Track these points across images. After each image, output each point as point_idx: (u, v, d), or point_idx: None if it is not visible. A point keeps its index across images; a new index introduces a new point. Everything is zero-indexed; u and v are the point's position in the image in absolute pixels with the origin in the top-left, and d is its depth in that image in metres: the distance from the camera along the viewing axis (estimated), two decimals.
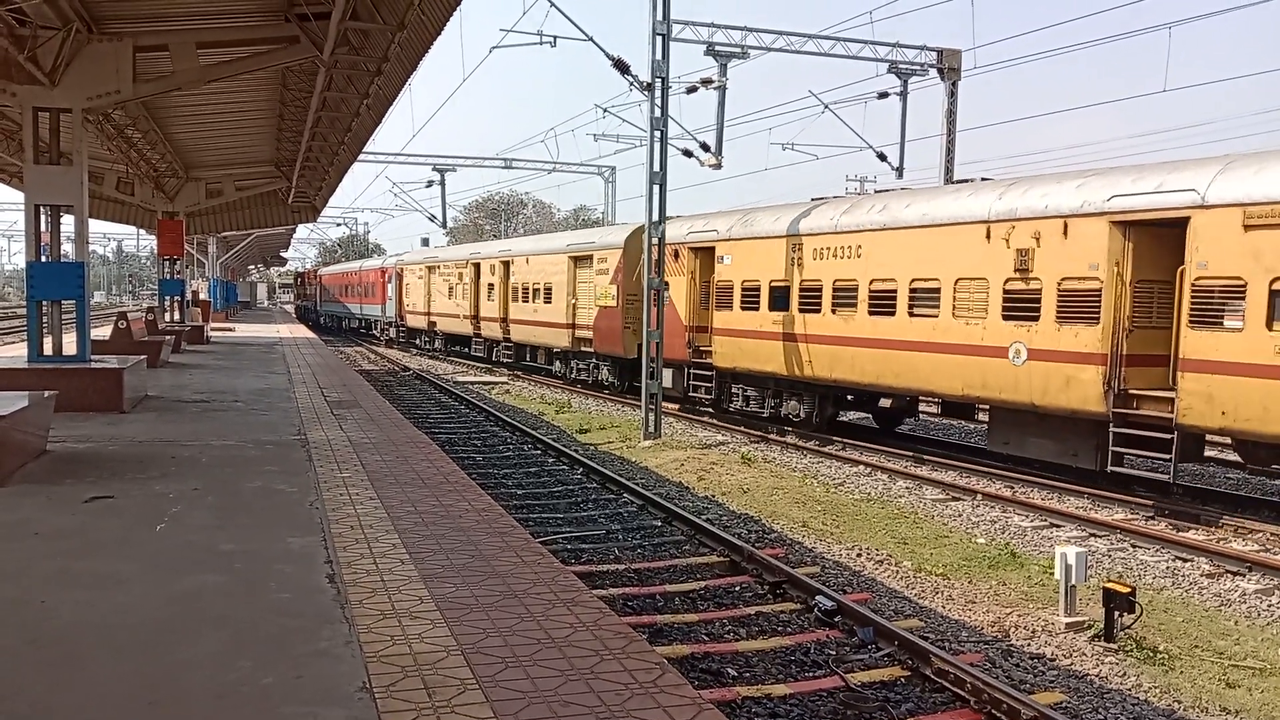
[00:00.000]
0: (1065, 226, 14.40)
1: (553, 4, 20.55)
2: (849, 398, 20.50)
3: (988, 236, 15.67)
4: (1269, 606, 10.12)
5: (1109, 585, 8.91)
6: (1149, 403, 13.53)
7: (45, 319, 13.22)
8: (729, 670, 7.80)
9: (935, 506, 14.49)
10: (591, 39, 21.50)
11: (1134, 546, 12.28)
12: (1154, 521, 13.42)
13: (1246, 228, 12.15)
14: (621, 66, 20.63)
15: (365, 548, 6.46)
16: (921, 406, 21.72)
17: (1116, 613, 8.80)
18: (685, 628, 8.78)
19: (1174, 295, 13.21)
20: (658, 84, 20.05)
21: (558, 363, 32.03)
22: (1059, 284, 14.54)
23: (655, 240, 20.71)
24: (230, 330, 38.84)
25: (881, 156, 28.99)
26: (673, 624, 8.83)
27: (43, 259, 13.20)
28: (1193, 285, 12.80)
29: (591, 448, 19.53)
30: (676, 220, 25.16)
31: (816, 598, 9.32)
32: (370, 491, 8.31)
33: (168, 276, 29.32)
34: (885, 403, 20.47)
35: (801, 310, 19.76)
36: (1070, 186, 14.70)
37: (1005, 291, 15.39)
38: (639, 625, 8.39)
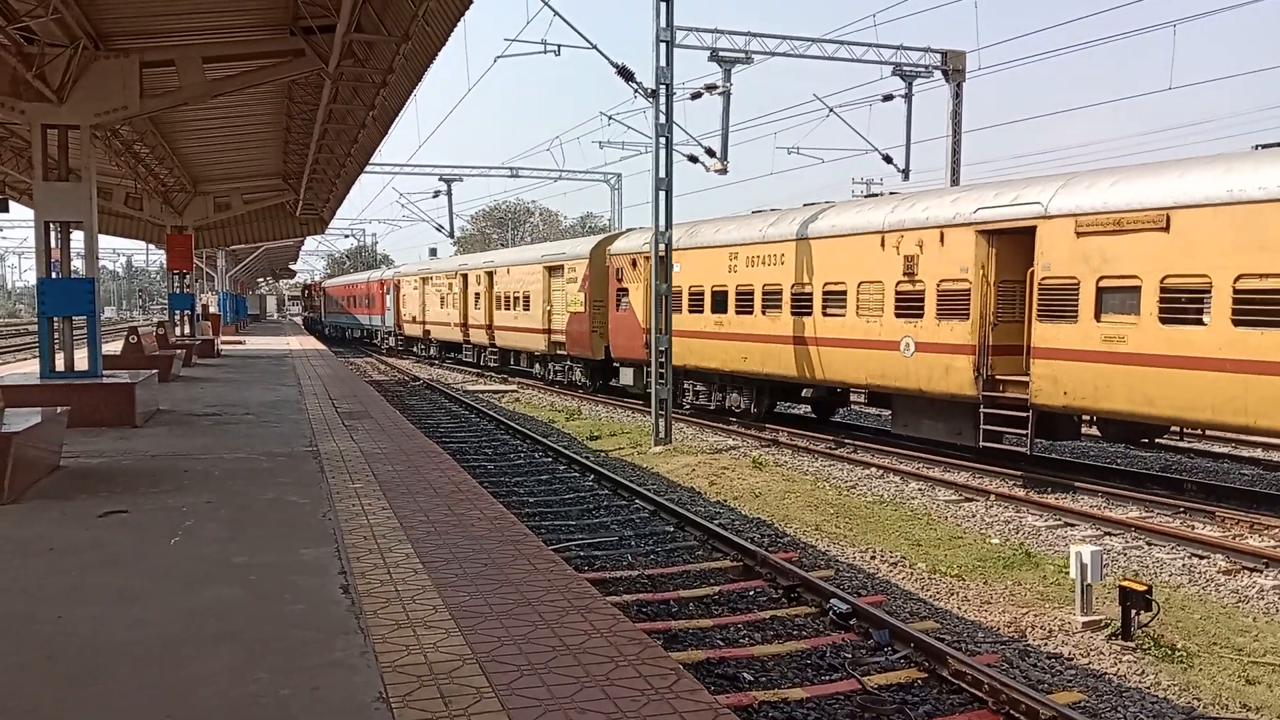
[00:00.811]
0: (942, 235, 16.53)
1: (556, 13, 20.62)
2: (787, 391, 22.55)
3: (882, 245, 17.80)
4: None
5: (1125, 583, 8.86)
6: (1011, 386, 15.52)
7: (57, 335, 13.29)
8: (745, 675, 7.77)
9: (948, 508, 14.44)
10: (595, 47, 21.54)
11: (1149, 544, 12.22)
12: (1169, 519, 13.36)
13: (1078, 234, 14.27)
14: (626, 74, 20.65)
15: (379, 558, 6.46)
16: (852, 397, 23.60)
17: (1133, 611, 8.75)
18: (700, 633, 8.75)
19: (1026, 292, 15.17)
20: (662, 90, 20.06)
21: (537, 365, 34.24)
22: (938, 285, 16.61)
23: (663, 246, 20.71)
24: (240, 343, 38.96)
25: (887, 159, 28.94)
26: (687, 629, 8.81)
27: (53, 275, 13.26)
28: (1039, 284, 14.85)
29: (602, 454, 19.52)
30: (636, 232, 28.15)
31: (831, 601, 9.29)
32: (383, 502, 8.32)
33: (177, 291, 29.43)
34: (807, 393, 22.27)
35: (738, 312, 21.86)
36: (947, 201, 16.92)
37: (897, 292, 17.47)
38: (653, 631, 8.37)
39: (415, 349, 50.36)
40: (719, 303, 22.63)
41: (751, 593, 10.08)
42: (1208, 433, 17.85)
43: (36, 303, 13.31)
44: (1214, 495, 14.41)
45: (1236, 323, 12.43)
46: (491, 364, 39.00)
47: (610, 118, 35.43)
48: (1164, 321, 13.30)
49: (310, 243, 78.47)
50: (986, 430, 15.70)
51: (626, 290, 26.51)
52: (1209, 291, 12.81)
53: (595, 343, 28.75)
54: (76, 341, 13.73)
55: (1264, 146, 13.32)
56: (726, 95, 24.76)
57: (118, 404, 13.03)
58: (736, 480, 16.24)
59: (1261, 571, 10.99)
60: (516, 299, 34.92)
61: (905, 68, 27.18)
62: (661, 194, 20.50)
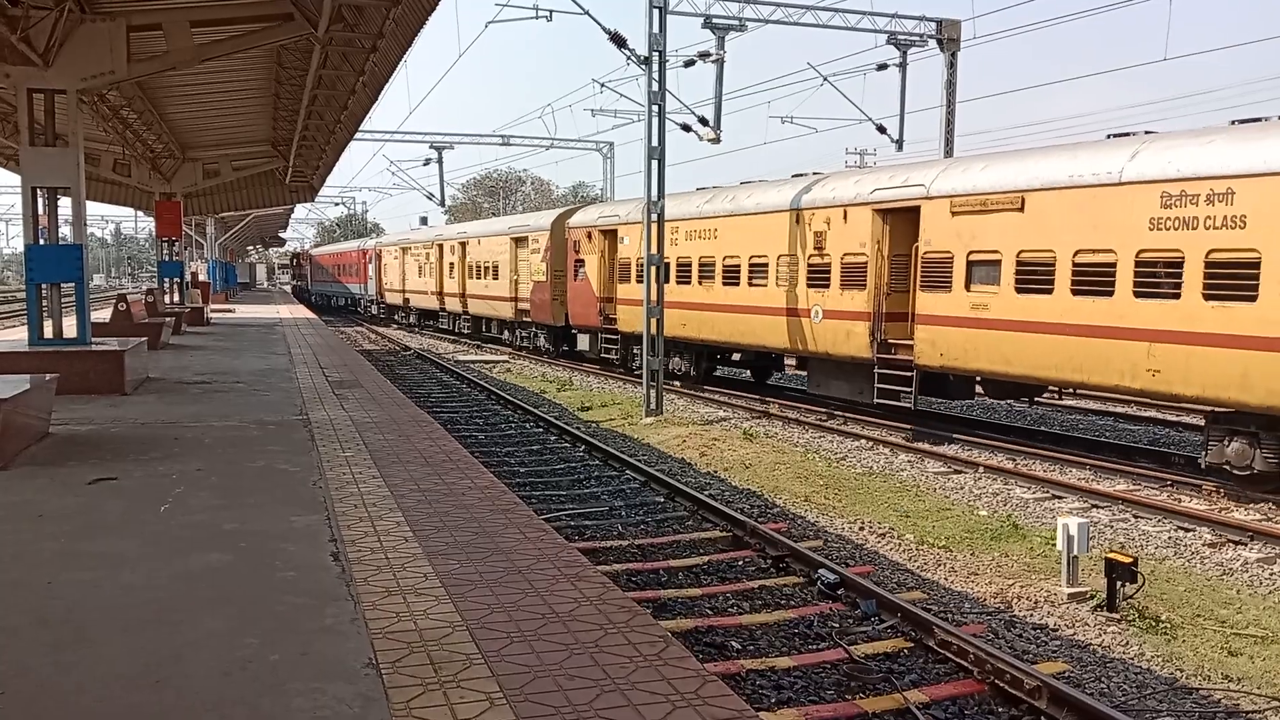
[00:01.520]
0: (845, 214, 18.43)
1: None
2: (722, 355, 24.72)
3: (797, 221, 19.67)
4: (1270, 575, 10.15)
5: (1111, 555, 8.94)
6: (900, 349, 17.42)
7: (45, 302, 13.20)
8: (733, 643, 7.83)
9: (937, 479, 14.51)
10: (587, 12, 21.34)
11: (1136, 517, 12.31)
12: (1156, 492, 13.46)
13: (953, 214, 16.04)
14: (618, 40, 20.48)
15: (369, 526, 6.47)
16: (787, 361, 24.78)
17: (1119, 583, 8.83)
18: (689, 602, 8.81)
19: (912, 266, 16.92)
20: (655, 58, 19.92)
21: (506, 332, 36.32)
22: (842, 259, 18.53)
23: (655, 217, 20.64)
24: (230, 311, 38.81)
25: (881, 129, 28.85)
26: (676, 599, 8.87)
27: (40, 242, 13.16)
28: (922, 258, 16.68)
29: (593, 425, 19.55)
30: (592, 206, 31.38)
31: (819, 571, 9.36)
32: (373, 470, 8.32)
33: (166, 258, 29.27)
34: (736, 356, 24.50)
35: (679, 282, 23.55)
36: (850, 182, 18.91)
37: (809, 265, 19.37)
38: (643, 600, 8.42)
39: (396, 316, 51.95)
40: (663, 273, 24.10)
41: (740, 563, 10.14)
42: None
43: (25, 269, 13.21)
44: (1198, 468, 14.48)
45: (1074, 292, 14.18)
46: (465, 331, 40.59)
47: (603, 85, 35.37)
48: (1019, 291, 15.07)
49: (300, 210, 78.08)
50: (880, 389, 17.67)
51: (583, 261, 28.38)
52: (1054, 265, 14.51)
53: (556, 310, 30.58)
54: (65, 309, 13.65)
55: (1116, 135, 14.80)
56: (720, 63, 24.60)
57: (107, 371, 12.98)
58: (727, 451, 16.29)
59: (1246, 544, 11.09)
60: (487, 268, 36.64)
61: (899, 36, 27.02)
62: (654, 163, 20.42)
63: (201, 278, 44.39)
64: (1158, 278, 13.25)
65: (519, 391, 24.29)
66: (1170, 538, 11.47)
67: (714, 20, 24.31)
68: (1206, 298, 12.58)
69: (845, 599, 8.86)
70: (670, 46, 20.21)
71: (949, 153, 27.00)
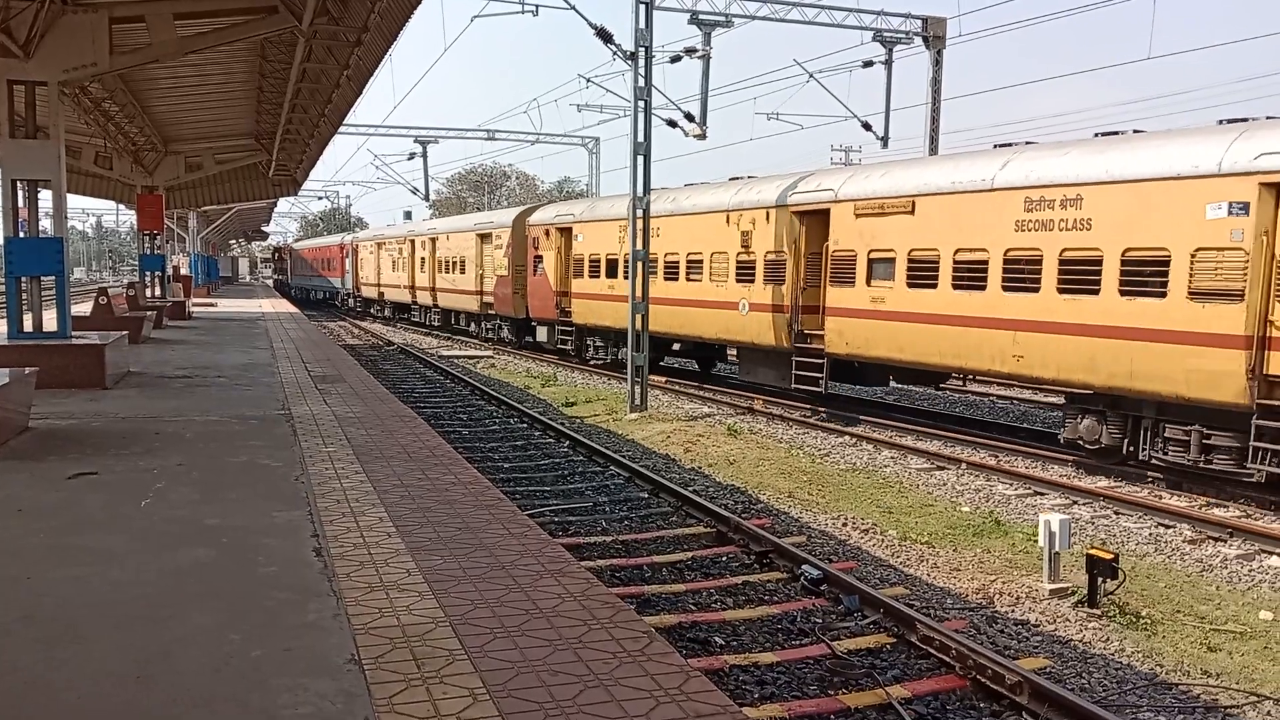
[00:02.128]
0: (768, 215, 20.05)
1: None
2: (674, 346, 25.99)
3: (728, 221, 21.35)
4: (1249, 571, 10.24)
5: (1092, 552, 8.99)
6: (814, 339, 19.03)
7: (25, 295, 13.10)
8: (716, 639, 7.85)
9: (920, 476, 14.57)
10: (574, 7, 21.30)
11: (1117, 513, 12.39)
12: (1136, 489, 13.55)
13: (857, 216, 17.85)
14: (604, 35, 20.44)
15: (352, 521, 6.45)
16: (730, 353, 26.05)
17: (1100, 579, 8.89)
18: (673, 598, 8.82)
19: (823, 263, 18.68)
20: (641, 53, 19.89)
21: (473, 324, 38.04)
22: (765, 256, 20.21)
23: (640, 212, 20.62)
24: (212, 305, 38.61)
25: (866, 126, 28.91)
26: (660, 594, 8.87)
27: (21, 235, 13.06)
28: (831, 256, 18.45)
29: (578, 421, 19.54)
30: (550, 205, 33.94)
31: (803, 567, 9.38)
32: (356, 466, 8.30)
33: (148, 252, 29.04)
34: (675, 347, 25.86)
35: (625, 277, 23.76)
36: (773, 186, 20.40)
37: (737, 262, 21.07)
38: (627, 596, 8.43)
39: (372, 310, 53.52)
40: (611, 269, 26.22)
41: (724, 558, 10.15)
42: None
43: (4, 263, 13.11)
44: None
45: (955, 287, 15.87)
46: (435, 323, 42.39)
47: (588, 80, 35.29)
48: (910, 286, 16.75)
49: (283, 204, 77.79)
50: (797, 375, 19.40)
51: (541, 258, 30.33)
52: (938, 262, 16.19)
53: (518, 303, 32.36)
54: (45, 302, 13.55)
55: (1000, 146, 16.17)
56: (706, 59, 24.59)
57: (87, 365, 12.90)
58: (711, 447, 16.31)
59: (1226, 541, 11.18)
60: (455, 263, 38.43)
61: (885, 34, 27.07)
62: (640, 159, 20.39)
63: (183, 271, 44.13)
64: (1022, 274, 14.82)
65: (503, 387, 24.25)
66: (1151, 534, 11.55)
67: (700, 16, 24.31)
68: (1060, 291, 14.19)
69: (828, 595, 8.89)
70: (657, 42, 20.17)
71: (934, 150, 27.09)
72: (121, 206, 59.99)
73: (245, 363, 16.90)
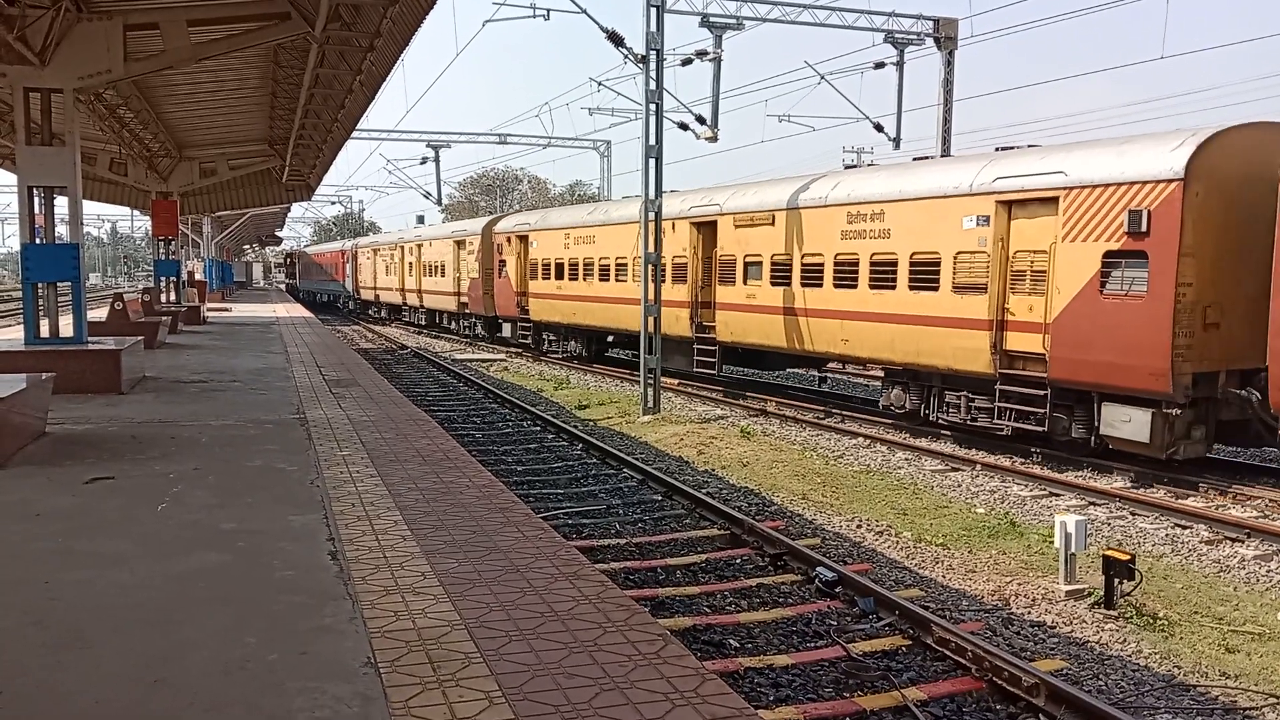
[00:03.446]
0: (674, 225, 23.38)
1: None
2: (609, 339, 29.68)
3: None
4: (1268, 572, 10.17)
5: (1108, 553, 8.94)
6: (709, 329, 22.68)
7: (41, 301, 13.18)
8: (731, 641, 7.83)
9: (934, 477, 14.52)
10: (585, 11, 21.34)
11: (1133, 514, 12.32)
12: (1152, 489, 13.48)
13: (736, 226, 21.45)
14: (616, 39, 20.47)
15: (367, 525, 6.47)
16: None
17: (1116, 580, 8.84)
18: (687, 600, 8.81)
19: (713, 265, 22.39)
20: (652, 56, 19.91)
21: (452, 322, 42.09)
22: (673, 259, 23.54)
23: (652, 215, 20.64)
24: (227, 310, 38.76)
25: (878, 127, 28.84)
26: (675, 597, 8.87)
27: (37, 241, 13.13)
28: (719, 259, 22.10)
29: (591, 423, 19.54)
30: (512, 215, 39.26)
31: (817, 569, 9.36)
32: (371, 469, 8.32)
33: (163, 257, 29.17)
34: (610, 339, 29.30)
35: (570, 279, 29.37)
36: (677, 200, 23.80)
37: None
38: (641, 598, 8.42)
39: (369, 311, 57.87)
40: (560, 272, 30.07)
41: (738, 561, 10.14)
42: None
43: (21, 269, 13.18)
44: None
45: (803, 284, 19.43)
46: (421, 323, 46.49)
47: (600, 84, 35.04)
48: (773, 284, 20.27)
49: (297, 209, 78.02)
50: (698, 360, 23.04)
51: (504, 262, 34.14)
52: (791, 264, 19.69)
53: (487, 303, 36.28)
54: (61, 308, 13.62)
55: (850, 167, 20.42)
56: (717, 62, 24.59)
57: (103, 370, 12.96)
58: (724, 449, 16.29)
59: (1243, 541, 11.10)
60: (436, 268, 42.31)
61: (897, 35, 27.01)
62: (651, 161, 20.40)
63: (198, 276, 44.28)
64: (846, 274, 18.32)
65: (516, 390, 24.28)
66: (1168, 535, 11.48)
67: (711, 19, 24.30)
68: (871, 287, 17.68)
69: (843, 597, 8.86)
70: (668, 45, 20.18)
71: (946, 151, 27.01)
72: (136, 212, 60.32)
73: (260, 367, 16.96)
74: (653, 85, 19.99)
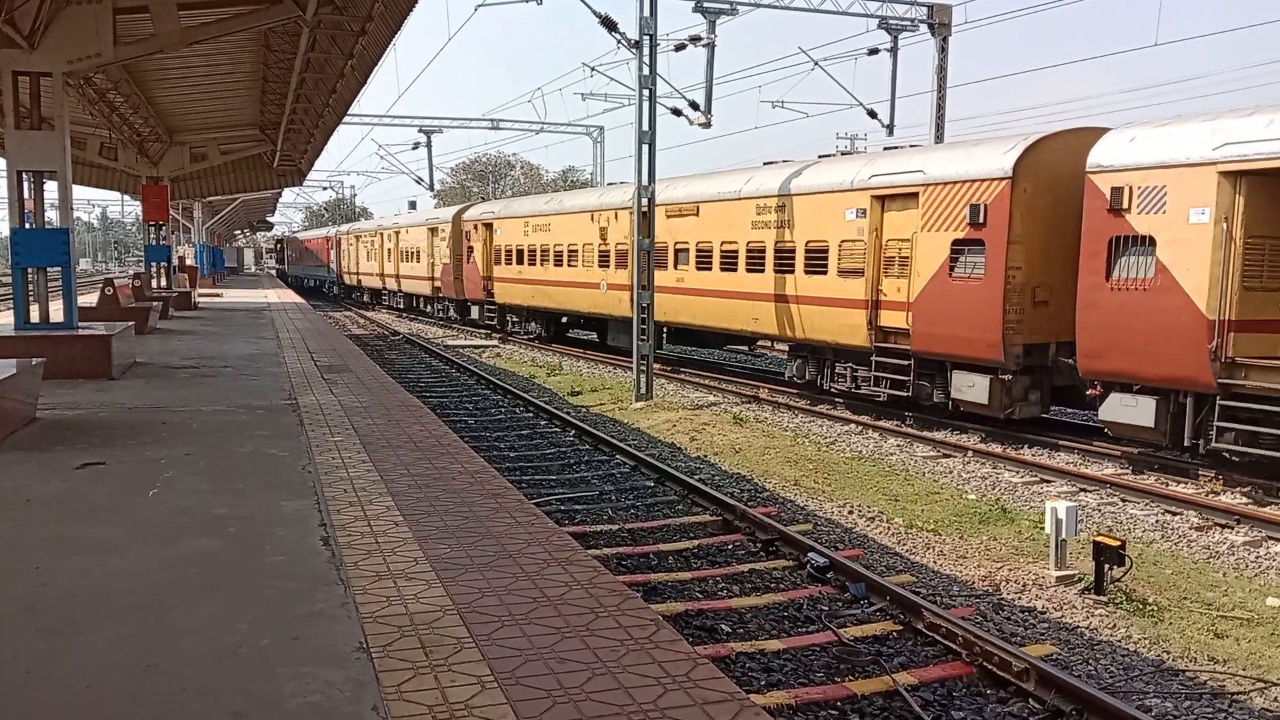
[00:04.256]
0: (616, 215, 25.76)
1: None
2: (563, 320, 32.24)
3: (593, 219, 27.34)
4: (1257, 558, 10.23)
5: (1099, 539, 8.98)
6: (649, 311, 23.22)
7: (31, 286, 13.11)
8: (723, 627, 7.86)
9: (926, 464, 14.56)
10: None
11: (1124, 500, 12.38)
12: (1143, 476, 13.53)
13: (667, 216, 23.10)
14: (609, 24, 20.38)
15: (359, 510, 6.46)
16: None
17: (1106, 566, 8.88)
18: (679, 586, 8.83)
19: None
20: (646, 41, 19.83)
21: (428, 305, 44.06)
22: (616, 246, 25.82)
23: (645, 201, 20.59)
24: (218, 296, 38.63)
25: (872, 114, 28.78)
26: (667, 582, 8.89)
27: (26, 226, 13.06)
28: (655, 246, 22.78)
29: (583, 410, 19.55)
30: (479, 204, 42.23)
31: (809, 555, 9.38)
32: (363, 455, 8.31)
33: (153, 242, 29.04)
34: (564, 320, 31.93)
35: (529, 264, 31.72)
36: (621, 192, 26.00)
37: (599, 251, 26.82)
38: (633, 584, 8.44)
39: (353, 295, 59.86)
40: (520, 257, 32.37)
41: (730, 546, 10.16)
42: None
43: (10, 254, 13.11)
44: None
45: (721, 270, 21.45)
46: (399, 306, 48.63)
47: (593, 69, 34.87)
48: (697, 269, 22.41)
49: (288, 195, 77.99)
50: (640, 340, 23.84)
51: (473, 248, 36.28)
52: (712, 251, 21.77)
53: (458, 287, 38.32)
54: (51, 293, 13.57)
55: (768, 164, 21.47)
56: (711, 47, 24.51)
57: (94, 356, 12.92)
58: (717, 436, 16.31)
59: (1233, 528, 11.16)
60: (413, 253, 44.18)
61: (891, 21, 26.95)
62: (644, 147, 20.34)
63: (189, 262, 44.12)
64: (755, 260, 20.32)
65: (508, 376, 24.26)
66: (1158, 521, 11.54)
67: (705, 4, 24.21)
68: (775, 272, 19.65)
69: (835, 582, 8.89)
70: (661, 30, 20.12)
71: (940, 138, 26.99)
72: (127, 197, 60.00)
73: (251, 353, 16.92)
74: (646, 70, 19.92)
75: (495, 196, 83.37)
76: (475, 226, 36.15)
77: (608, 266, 26.24)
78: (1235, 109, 12.73)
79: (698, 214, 22.32)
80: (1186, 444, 12.94)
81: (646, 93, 20.12)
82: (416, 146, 50.86)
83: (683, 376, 23.79)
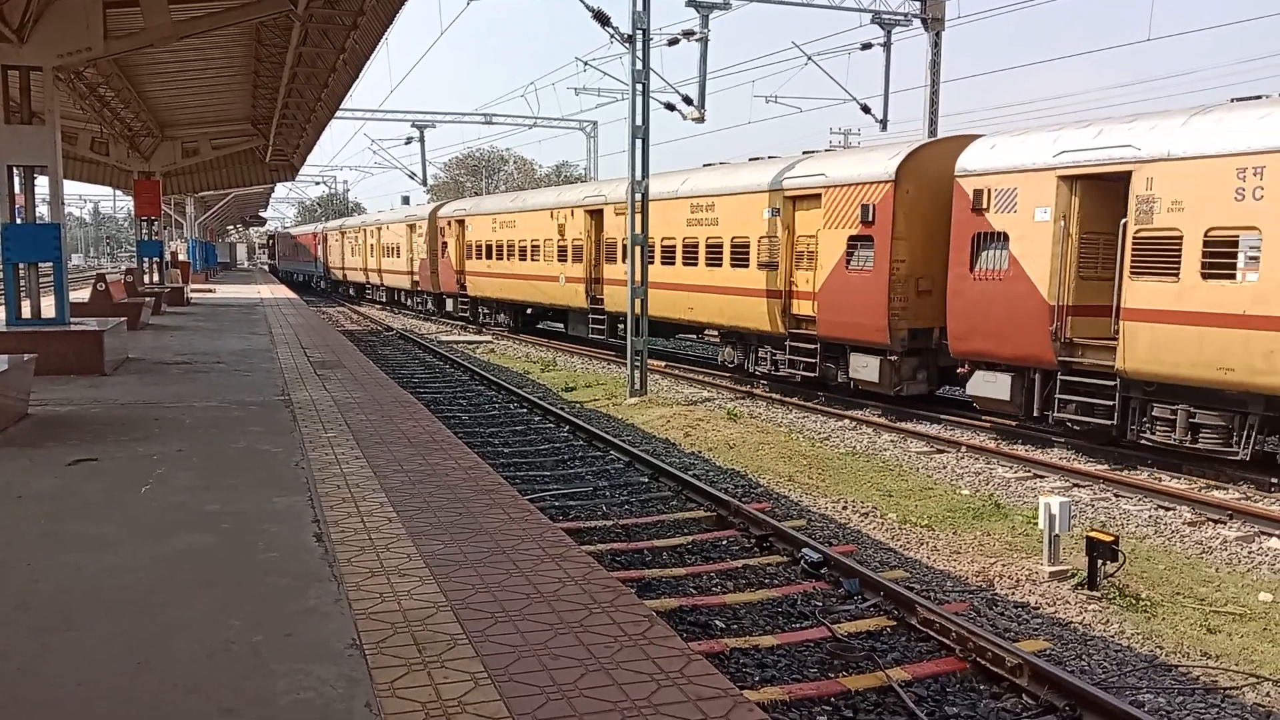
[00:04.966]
0: (573, 212, 28.28)
1: None
2: (529, 311, 34.04)
3: (552, 216, 29.66)
4: (1249, 553, 10.25)
5: (1092, 534, 9.00)
6: (600, 302, 26.86)
7: (23, 282, 13.05)
8: (717, 622, 7.86)
9: (920, 459, 14.57)
10: None
11: (1117, 496, 12.40)
12: (1135, 471, 13.56)
13: (616, 214, 24.76)
14: (602, 18, 20.34)
15: (352, 506, 6.45)
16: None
17: (1099, 561, 8.90)
18: (673, 582, 8.83)
19: (602, 247, 26.81)
20: (639, 36, 19.79)
21: (408, 299, 46.27)
22: (572, 241, 28.13)
23: (639, 196, 20.56)
24: (210, 291, 38.53)
25: (865, 109, 28.80)
26: (661, 578, 8.88)
27: (18, 221, 13.00)
28: (604, 242, 26.54)
29: (578, 405, 19.53)
30: (452, 202, 44.07)
31: (803, 550, 9.39)
32: (356, 451, 8.29)
33: (145, 238, 28.92)
34: (529, 311, 33.72)
35: (497, 259, 33.86)
36: (575, 191, 29.76)
37: (558, 246, 29.21)
38: (627, 580, 8.43)
39: (339, 289, 62.18)
40: (489, 252, 34.52)
41: (724, 542, 10.16)
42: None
43: (1, 249, 13.05)
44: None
45: (663, 263, 23.05)
46: (381, 300, 50.75)
47: (586, 64, 35.14)
48: (663, 263, 23.14)
49: (281, 190, 77.77)
50: (592, 329, 27.33)
51: (447, 244, 38.51)
52: (655, 247, 22.97)
53: (434, 281, 40.61)
54: (43, 289, 13.51)
55: (706, 165, 23.21)
56: (704, 42, 24.48)
57: (86, 352, 12.86)
58: (711, 432, 16.31)
59: (1225, 523, 11.19)
60: (393, 249, 46.38)
61: (884, 15, 26.93)
62: (638, 142, 20.31)
63: (181, 257, 43.93)
64: (690, 254, 22.16)
65: (502, 372, 24.24)
66: (1151, 516, 11.56)
67: None
68: (707, 265, 21.46)
69: (828, 578, 8.90)
70: (654, 25, 20.10)
71: (933, 132, 26.98)
72: (119, 192, 59.83)
73: (244, 348, 16.87)
74: (639, 65, 19.88)
75: (489, 191, 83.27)
76: (449, 223, 38.40)
77: (565, 261, 28.50)
78: (1080, 121, 14.55)
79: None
80: (1036, 415, 14.83)
81: (640, 88, 20.09)
82: (409, 141, 50.83)
83: (677, 372, 23.78)
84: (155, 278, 29.31)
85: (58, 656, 4.06)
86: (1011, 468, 13.88)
